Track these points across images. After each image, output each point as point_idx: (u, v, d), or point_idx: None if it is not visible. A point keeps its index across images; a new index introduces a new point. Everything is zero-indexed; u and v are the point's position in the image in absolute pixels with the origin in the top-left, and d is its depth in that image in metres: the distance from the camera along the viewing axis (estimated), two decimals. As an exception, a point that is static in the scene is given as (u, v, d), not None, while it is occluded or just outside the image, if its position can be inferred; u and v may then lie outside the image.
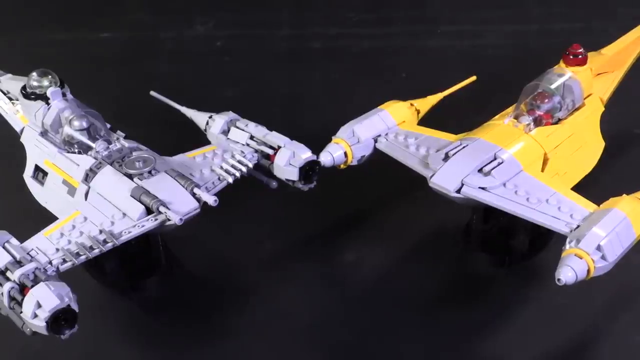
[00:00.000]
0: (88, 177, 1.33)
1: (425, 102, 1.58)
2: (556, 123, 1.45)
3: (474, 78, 1.65)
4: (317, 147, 1.43)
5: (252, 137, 1.43)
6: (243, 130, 1.44)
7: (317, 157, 1.41)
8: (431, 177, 1.34)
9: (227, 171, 1.38)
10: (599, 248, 1.15)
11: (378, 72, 2.08)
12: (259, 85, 2.05)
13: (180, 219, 1.25)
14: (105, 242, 1.23)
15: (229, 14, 2.36)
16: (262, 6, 2.39)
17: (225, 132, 1.45)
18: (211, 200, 1.28)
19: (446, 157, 1.35)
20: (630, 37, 1.69)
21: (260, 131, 1.43)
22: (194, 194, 1.30)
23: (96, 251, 1.21)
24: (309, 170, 1.39)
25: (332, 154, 1.43)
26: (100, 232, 1.24)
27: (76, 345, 1.27)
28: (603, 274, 1.17)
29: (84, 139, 1.38)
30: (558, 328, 1.37)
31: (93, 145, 1.37)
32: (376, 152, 1.47)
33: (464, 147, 1.37)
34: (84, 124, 1.39)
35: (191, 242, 1.49)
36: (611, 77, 1.62)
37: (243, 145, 1.43)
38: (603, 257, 1.15)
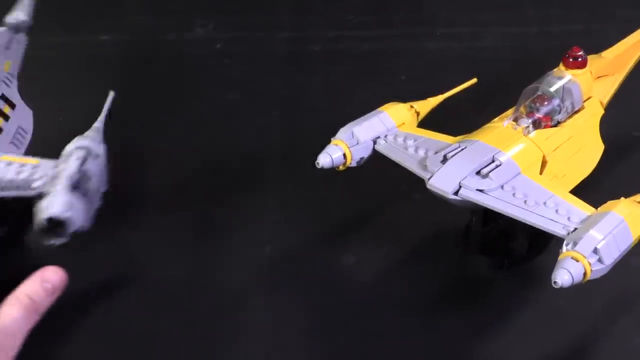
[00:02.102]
0: None
1: (425, 104, 1.58)
2: (555, 126, 1.45)
3: (474, 80, 1.65)
4: (316, 148, 1.43)
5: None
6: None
7: (317, 159, 1.41)
8: (429, 179, 1.34)
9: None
10: (595, 251, 1.15)
11: (378, 74, 2.08)
12: (259, 88, 2.04)
13: None
14: None
15: (228, 17, 2.36)
16: (262, 9, 2.39)
17: None
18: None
19: (444, 159, 1.35)
20: (630, 40, 1.69)
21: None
22: None
23: None
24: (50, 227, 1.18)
25: (331, 155, 1.42)
26: None
27: (76, 345, 1.28)
28: (600, 276, 1.17)
29: None
30: (557, 330, 1.37)
31: None
32: (375, 154, 1.47)
33: (462, 149, 1.37)
34: None
35: (190, 246, 1.50)
36: (611, 80, 1.62)
37: None
38: (600, 260, 1.15)
